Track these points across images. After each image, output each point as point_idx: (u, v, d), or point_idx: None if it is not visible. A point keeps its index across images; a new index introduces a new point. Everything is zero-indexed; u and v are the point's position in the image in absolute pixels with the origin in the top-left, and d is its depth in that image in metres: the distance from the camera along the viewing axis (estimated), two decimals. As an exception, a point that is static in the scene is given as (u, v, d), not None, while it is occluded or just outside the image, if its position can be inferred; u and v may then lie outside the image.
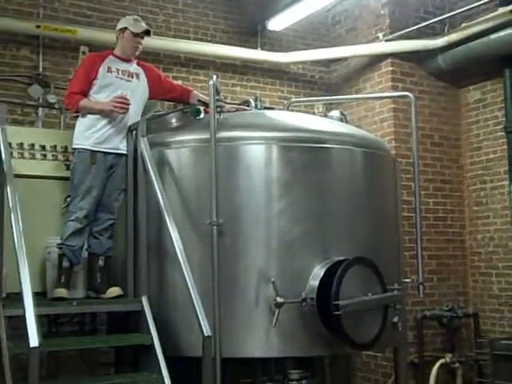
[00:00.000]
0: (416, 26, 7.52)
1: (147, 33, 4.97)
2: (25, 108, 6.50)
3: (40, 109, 6.53)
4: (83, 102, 4.77)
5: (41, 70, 6.69)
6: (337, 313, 4.23)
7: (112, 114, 4.73)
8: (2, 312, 4.04)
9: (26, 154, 5.12)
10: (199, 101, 5.19)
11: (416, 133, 5.65)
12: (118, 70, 4.90)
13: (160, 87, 5.14)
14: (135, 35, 4.91)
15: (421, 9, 7.86)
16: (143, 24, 4.97)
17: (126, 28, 4.93)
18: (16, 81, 6.59)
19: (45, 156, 5.16)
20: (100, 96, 4.81)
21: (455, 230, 7.73)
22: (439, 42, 7.37)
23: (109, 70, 4.86)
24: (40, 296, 4.64)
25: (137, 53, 5.01)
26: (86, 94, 4.81)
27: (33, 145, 5.14)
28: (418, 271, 5.41)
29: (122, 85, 4.87)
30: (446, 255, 7.58)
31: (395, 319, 4.72)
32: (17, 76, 6.61)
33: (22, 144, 5.10)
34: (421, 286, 5.37)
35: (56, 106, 6.41)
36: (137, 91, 4.94)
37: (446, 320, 7.10)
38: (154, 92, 5.09)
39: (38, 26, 6.61)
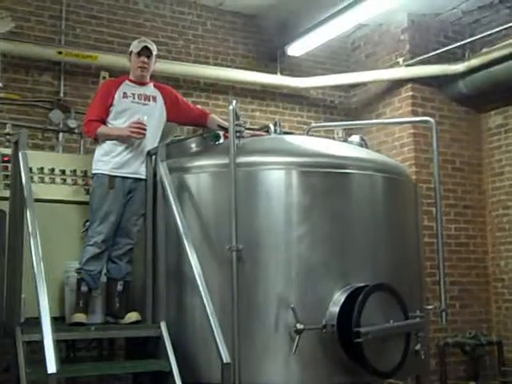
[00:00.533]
0: (436, 51, 7.52)
1: (148, 50, 4.93)
2: (45, 133, 6.55)
3: (60, 133, 6.59)
4: (101, 129, 4.78)
5: (62, 95, 6.77)
6: (358, 340, 4.15)
7: (129, 139, 4.74)
8: (21, 337, 4.02)
9: (47, 179, 5.13)
10: (218, 125, 5.17)
11: (437, 158, 5.59)
12: (133, 94, 4.90)
13: (177, 109, 5.12)
14: (138, 55, 4.92)
15: (441, 34, 7.86)
16: (146, 43, 4.95)
17: (131, 51, 4.97)
18: (37, 106, 6.67)
19: (64, 180, 5.17)
20: (117, 122, 4.82)
21: (478, 256, 7.64)
22: (460, 67, 7.35)
23: (124, 95, 4.88)
24: (58, 321, 4.62)
25: (144, 73, 4.95)
26: (103, 121, 4.82)
27: (53, 169, 5.16)
28: (440, 298, 5.31)
29: (139, 109, 4.87)
30: (469, 281, 7.49)
31: (418, 347, 4.63)
32: (38, 101, 6.69)
33: (42, 168, 5.12)
34: (443, 313, 5.26)
35: (76, 130, 6.45)
36: (154, 114, 4.94)
37: (469, 348, 6.99)
38: (171, 114, 5.08)
39: (60, 52, 6.71)
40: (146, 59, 4.92)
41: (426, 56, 7.52)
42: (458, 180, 7.64)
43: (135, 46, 4.95)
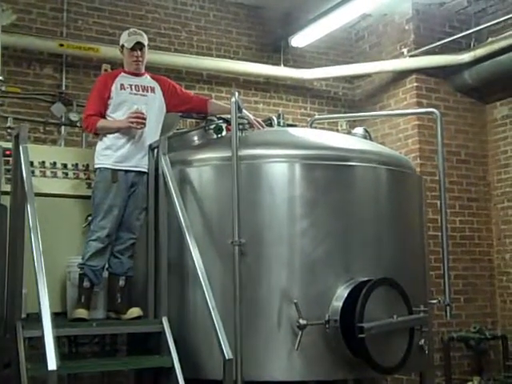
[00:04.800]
0: (441, 41, 7.46)
1: (140, 44, 4.86)
2: (47, 126, 6.53)
3: (62, 127, 6.56)
4: (101, 123, 4.74)
5: (63, 88, 6.74)
6: (361, 335, 4.12)
7: (130, 130, 4.69)
8: (22, 333, 4.00)
9: (48, 173, 5.10)
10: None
11: (442, 150, 5.54)
12: (130, 85, 4.85)
13: (176, 98, 5.07)
14: (131, 50, 4.86)
15: (446, 24, 7.79)
16: (136, 36, 4.87)
17: (123, 45, 4.91)
18: (39, 99, 6.63)
19: (66, 174, 5.13)
20: (117, 115, 4.77)
21: (482, 249, 7.60)
22: (465, 57, 7.29)
23: (122, 87, 4.82)
24: (60, 316, 4.61)
25: (139, 65, 4.90)
26: (102, 115, 4.77)
27: (54, 163, 5.12)
28: (444, 292, 5.27)
29: (137, 100, 4.81)
30: (473, 275, 7.45)
31: (421, 342, 4.61)
32: (40, 94, 6.65)
33: (43, 162, 5.08)
34: (448, 308, 5.23)
35: (78, 124, 6.41)
36: (153, 105, 4.89)
37: (473, 342, 6.97)
38: (170, 104, 5.03)
39: (62, 45, 6.68)
40: (139, 53, 4.87)
41: (430, 46, 7.46)
42: (462, 172, 7.59)
43: (126, 41, 4.87)
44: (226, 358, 3.81)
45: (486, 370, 7.06)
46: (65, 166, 5.15)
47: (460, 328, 7.13)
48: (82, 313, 4.46)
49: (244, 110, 4.82)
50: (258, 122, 5.18)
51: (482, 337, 6.96)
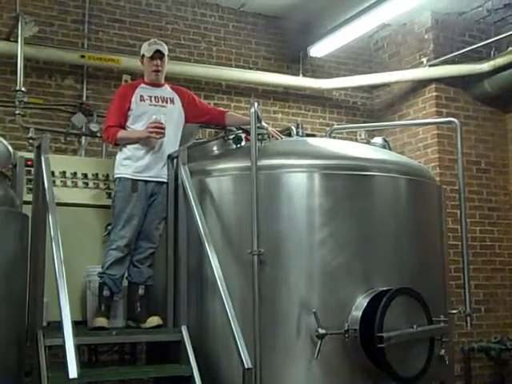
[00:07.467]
0: (461, 51, 7.45)
1: (160, 53, 4.91)
2: (68, 136, 6.59)
3: (83, 137, 6.62)
4: (120, 134, 4.78)
5: (84, 98, 6.80)
6: (381, 345, 4.10)
7: (149, 140, 4.73)
8: (43, 341, 4.04)
9: (69, 183, 5.15)
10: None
11: (462, 159, 5.51)
12: (150, 97, 4.89)
13: (195, 110, 5.11)
14: (150, 58, 4.91)
15: (466, 33, 7.78)
16: (156, 45, 4.92)
17: (143, 55, 4.96)
18: (60, 110, 6.70)
19: (87, 184, 5.18)
20: (137, 126, 4.82)
21: (503, 259, 7.54)
22: (485, 66, 7.26)
23: (141, 98, 4.87)
24: (80, 325, 4.65)
25: (159, 74, 4.94)
26: (122, 126, 4.82)
27: (75, 173, 5.17)
28: (465, 302, 5.23)
29: (157, 111, 4.85)
30: (494, 285, 7.40)
31: (442, 352, 4.57)
32: (61, 105, 6.72)
33: (64, 172, 5.14)
34: (468, 318, 5.18)
35: (98, 134, 6.46)
36: (173, 115, 4.92)
37: (494, 352, 6.90)
38: (189, 115, 5.06)
39: (83, 56, 6.74)
40: (159, 62, 4.92)
41: (450, 55, 7.45)
42: (483, 181, 7.54)
43: (146, 50, 4.93)
44: (246, 367, 3.81)
45: (507, 380, 7.00)
46: (85, 175, 5.21)
47: (481, 338, 7.08)
48: (101, 321, 4.51)
49: (262, 122, 4.86)
50: (275, 132, 5.22)
51: (503, 347, 6.89)
